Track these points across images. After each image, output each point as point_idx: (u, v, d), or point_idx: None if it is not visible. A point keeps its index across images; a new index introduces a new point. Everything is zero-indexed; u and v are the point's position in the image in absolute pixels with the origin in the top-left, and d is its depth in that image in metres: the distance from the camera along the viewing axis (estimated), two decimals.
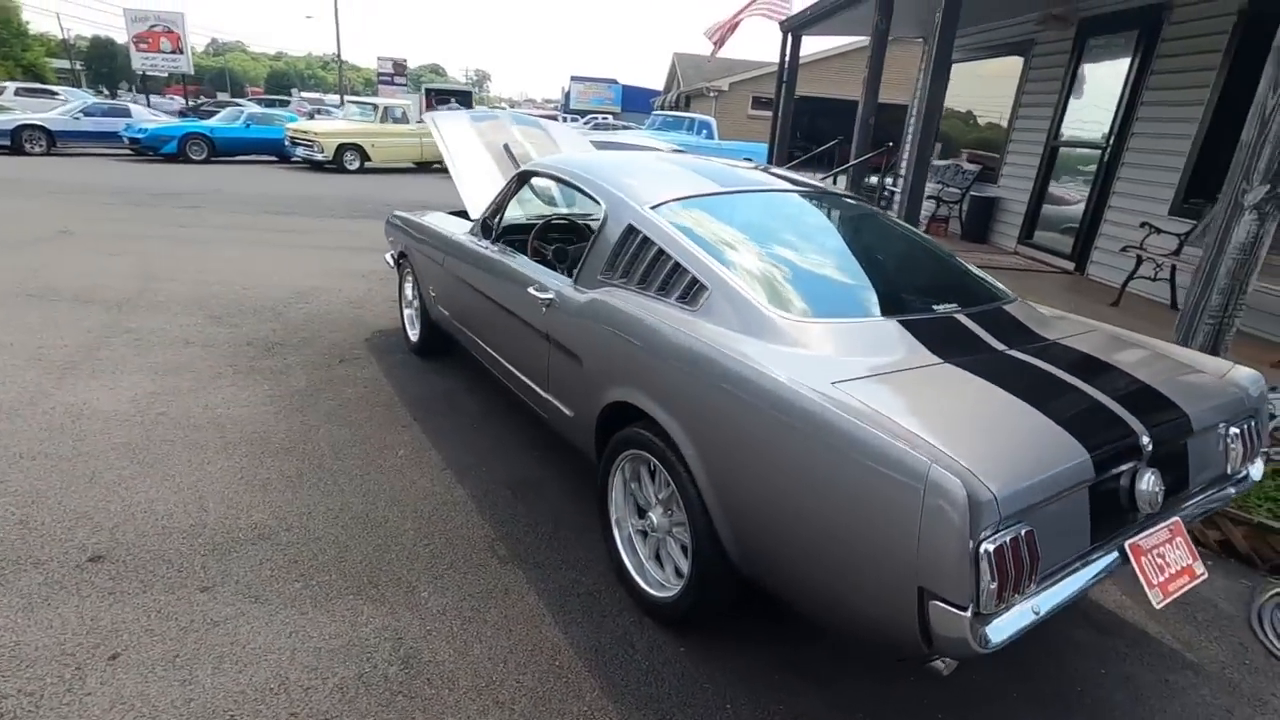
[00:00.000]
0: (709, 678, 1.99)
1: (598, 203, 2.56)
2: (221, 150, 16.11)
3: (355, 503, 2.74)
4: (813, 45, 21.82)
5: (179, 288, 5.53)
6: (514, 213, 3.40)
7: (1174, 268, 4.74)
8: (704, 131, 16.69)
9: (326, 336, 4.61)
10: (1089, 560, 1.60)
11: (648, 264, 2.26)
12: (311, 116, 21.89)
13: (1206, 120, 4.93)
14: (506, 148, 4.46)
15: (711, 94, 21.39)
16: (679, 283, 2.15)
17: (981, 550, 1.30)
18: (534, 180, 3.27)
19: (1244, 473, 2.06)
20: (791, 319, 1.91)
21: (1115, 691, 2.08)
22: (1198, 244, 4.69)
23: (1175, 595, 1.70)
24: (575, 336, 2.40)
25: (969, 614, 1.30)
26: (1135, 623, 2.40)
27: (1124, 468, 1.63)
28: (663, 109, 30.90)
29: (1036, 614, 1.43)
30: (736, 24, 9.85)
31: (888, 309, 2.09)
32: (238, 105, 21.57)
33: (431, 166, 17.15)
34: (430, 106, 23.16)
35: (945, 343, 1.94)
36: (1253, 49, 4.73)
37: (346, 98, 45.35)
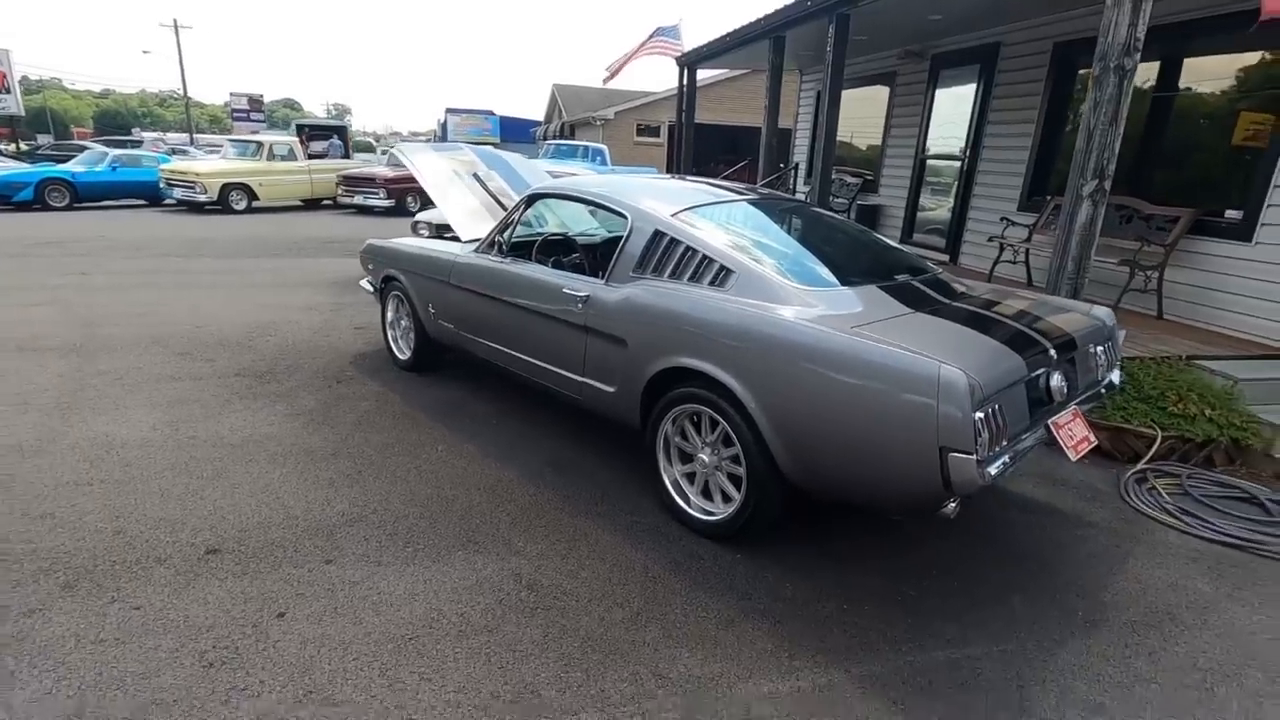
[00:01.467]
0: (767, 569, 2.58)
1: (622, 215, 3.12)
2: (85, 196, 15.04)
3: (421, 488, 3.10)
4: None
5: (124, 331, 5.46)
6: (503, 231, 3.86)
7: (1028, 251, 5.90)
8: (598, 158, 17.48)
9: (310, 363, 4.81)
10: (1030, 431, 2.34)
11: (677, 260, 2.85)
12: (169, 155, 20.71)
13: (1039, 132, 6.19)
14: (476, 176, 4.90)
15: (598, 122, 22.33)
16: (708, 271, 2.75)
17: (977, 417, 1.98)
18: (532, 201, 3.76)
19: (1108, 379, 2.93)
20: (805, 289, 2.57)
21: (1045, 546, 2.87)
22: (1043, 232, 5.88)
23: (1083, 453, 2.49)
24: (617, 323, 2.93)
25: (975, 458, 1.98)
26: (1047, 502, 3.23)
27: (1041, 370, 2.40)
28: (545, 138, 31.58)
29: (1008, 462, 2.14)
30: (631, 59, 10.69)
31: (866, 279, 2.79)
32: (86, 147, 20.03)
33: (320, 203, 16.83)
34: (304, 143, 22.51)
35: (911, 300, 2.67)
36: (1066, 74, 6.03)
37: (199, 135, 42.24)
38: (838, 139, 9.17)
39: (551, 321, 3.28)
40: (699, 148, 10.68)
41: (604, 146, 18.15)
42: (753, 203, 3.38)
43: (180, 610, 2.23)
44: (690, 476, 2.87)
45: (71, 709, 1.83)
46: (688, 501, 2.85)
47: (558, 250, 3.78)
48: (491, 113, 40.22)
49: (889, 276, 2.89)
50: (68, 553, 2.51)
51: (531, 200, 3.69)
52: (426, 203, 15.56)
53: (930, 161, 7.67)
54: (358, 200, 15.48)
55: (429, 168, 4.81)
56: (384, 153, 38.98)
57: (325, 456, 3.37)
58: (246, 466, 3.24)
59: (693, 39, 10.27)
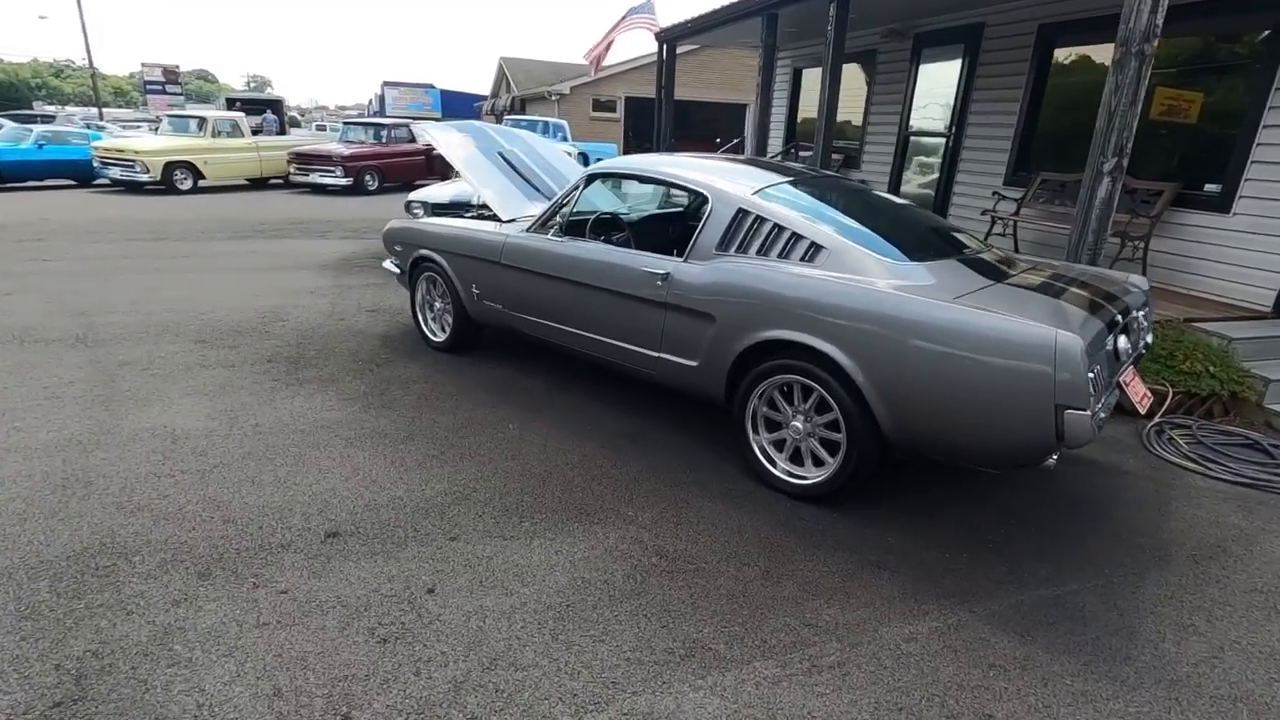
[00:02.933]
0: (865, 526, 2.77)
1: (699, 195, 3.21)
2: (9, 176, 13.99)
3: (511, 465, 3.16)
4: (638, 49, 23.14)
5: (125, 319, 5.22)
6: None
7: (1016, 224, 6.26)
8: (559, 134, 17.29)
9: (339, 347, 4.73)
10: (1108, 390, 2.58)
11: (764, 237, 2.97)
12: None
13: (1024, 110, 6.53)
14: (501, 154, 4.88)
15: (553, 97, 21.98)
16: (796, 248, 2.88)
17: (1089, 376, 2.20)
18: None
19: (1148, 339, 3.22)
20: (892, 263, 2.73)
21: (1095, 492, 3.16)
22: (1031, 205, 6.24)
23: (1146, 407, 2.77)
24: (705, 300, 3.03)
25: (1089, 413, 2.19)
26: (1089, 457, 3.53)
27: (1112, 334, 2.64)
28: (493, 113, 30.88)
29: (1105, 414, 2.37)
30: (611, 42, 10.61)
31: (941, 253, 2.97)
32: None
33: (268, 182, 16.11)
34: None
35: (986, 272, 2.87)
36: (1048, 55, 6.36)
37: (107, 110, 39.18)
38: (807, 115, 9.36)
39: (626, 299, 3.35)
40: (651, 123, 10.64)
41: (564, 122, 17.94)
42: (812, 181, 3.50)
43: (329, 591, 2.26)
44: (778, 444, 3.03)
45: (268, 689, 1.87)
46: (776, 467, 3.01)
47: (610, 229, 3.84)
48: (431, 86, 39.12)
49: (959, 251, 3.09)
50: (185, 543, 2.49)
51: (591, 180, 3.73)
52: (384, 181, 15.10)
53: (914, 138, 7.97)
54: (313, 179, 14.87)
55: (456, 147, 4.75)
56: (319, 128, 37.32)
57: (401, 439, 3.38)
58: (325, 452, 3.22)
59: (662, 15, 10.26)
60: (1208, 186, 5.11)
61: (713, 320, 3.03)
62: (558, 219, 3.78)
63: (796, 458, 2.98)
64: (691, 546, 2.59)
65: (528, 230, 3.90)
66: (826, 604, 2.30)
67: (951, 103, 7.31)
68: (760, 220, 3.00)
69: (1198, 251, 5.15)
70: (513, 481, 3.02)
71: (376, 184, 15.08)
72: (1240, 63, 5.04)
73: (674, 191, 3.44)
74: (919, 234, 3.36)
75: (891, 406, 2.57)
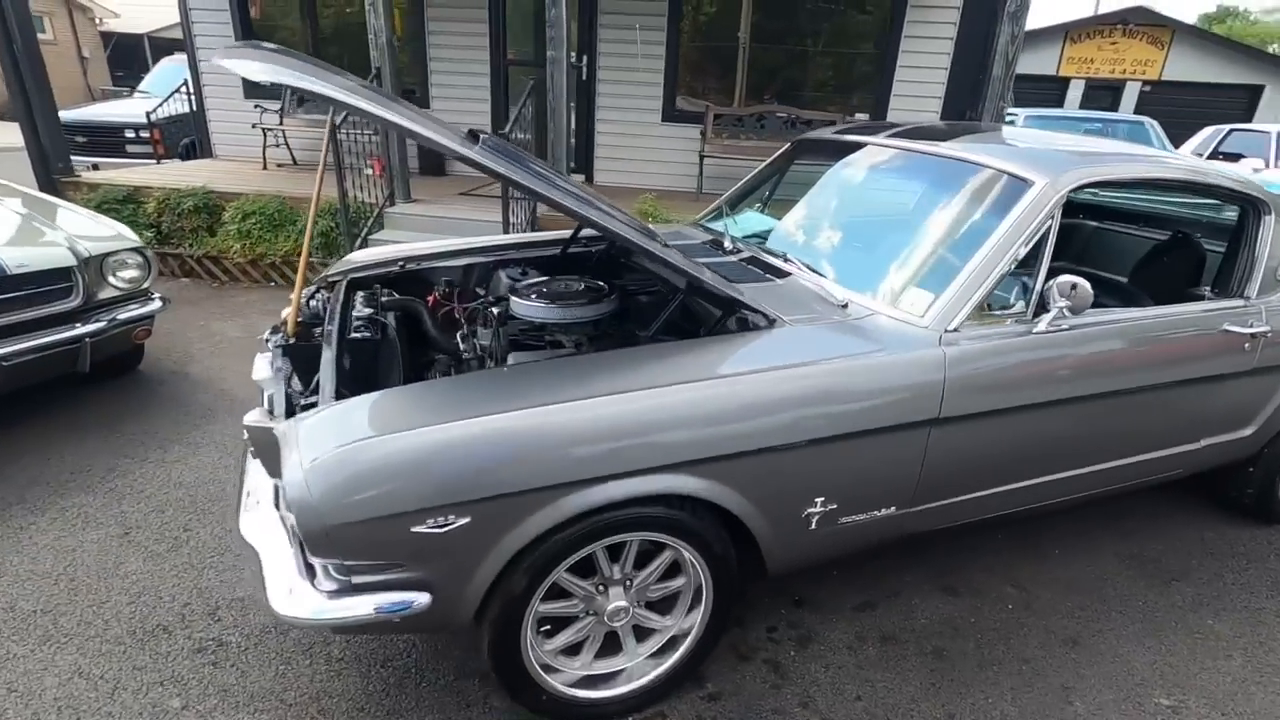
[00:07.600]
0: None
1: (1250, 203, 2.14)
2: None
3: None
4: None
5: None
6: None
7: (702, 157, 6.17)
8: None
9: None
10: None
11: None
12: None
13: (675, 41, 6.17)
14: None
15: None
16: None
17: None
18: None
19: None
20: None
21: None
22: (713, 142, 6.24)
23: None
24: None
25: None
26: None
27: None
28: None
29: None
30: None
31: None
32: None
33: None
34: None
35: None
36: None
37: None
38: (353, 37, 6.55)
39: (1186, 387, 2.10)
40: None
41: None
42: None
43: None
44: None
45: None
46: None
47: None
48: None
49: None
50: None
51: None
52: None
53: (523, 68, 6.49)
54: None
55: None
56: None
57: None
58: None
59: None
60: (859, 116, 6.21)
61: None
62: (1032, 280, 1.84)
63: None
64: None
65: (970, 317, 1.76)
66: None
67: (578, 27, 6.24)
68: None
69: None
70: None
71: None
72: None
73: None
74: None
75: None
